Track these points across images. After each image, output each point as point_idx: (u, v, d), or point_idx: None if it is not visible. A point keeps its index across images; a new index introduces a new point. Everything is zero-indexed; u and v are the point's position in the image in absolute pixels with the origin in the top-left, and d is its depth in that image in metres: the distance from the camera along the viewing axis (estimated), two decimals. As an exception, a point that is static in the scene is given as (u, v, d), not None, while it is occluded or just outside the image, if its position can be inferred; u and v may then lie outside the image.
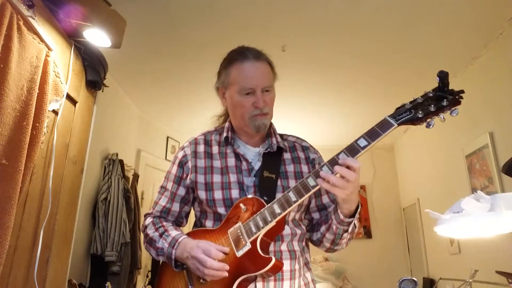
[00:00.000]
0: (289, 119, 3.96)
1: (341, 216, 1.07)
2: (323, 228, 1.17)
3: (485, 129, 2.70)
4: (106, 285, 2.31)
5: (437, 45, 2.71)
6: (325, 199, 1.25)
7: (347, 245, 1.19)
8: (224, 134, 1.26)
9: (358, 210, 1.08)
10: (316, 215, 1.24)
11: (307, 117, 4.06)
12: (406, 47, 2.75)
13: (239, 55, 1.20)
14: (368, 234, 4.64)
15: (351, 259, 4.35)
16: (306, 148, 1.31)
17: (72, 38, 1.87)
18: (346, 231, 1.11)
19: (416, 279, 1.48)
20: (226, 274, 1.03)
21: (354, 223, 1.10)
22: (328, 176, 0.99)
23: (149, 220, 1.27)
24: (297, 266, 1.17)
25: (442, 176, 3.50)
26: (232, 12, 2.39)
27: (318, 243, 1.22)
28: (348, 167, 0.98)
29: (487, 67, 2.75)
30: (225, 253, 1.06)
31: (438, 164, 3.58)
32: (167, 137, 4.35)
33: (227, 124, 1.29)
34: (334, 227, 1.11)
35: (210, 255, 1.03)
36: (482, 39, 2.63)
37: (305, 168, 1.25)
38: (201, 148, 1.26)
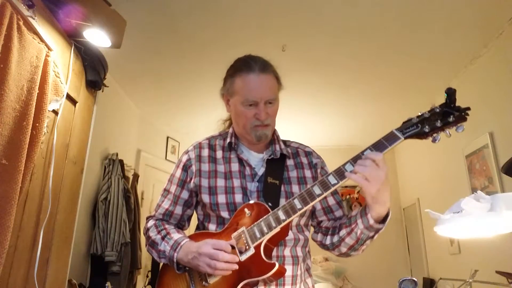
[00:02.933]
0: (288, 119, 3.96)
1: (371, 221, 1.04)
2: (343, 232, 1.14)
3: (485, 129, 2.70)
4: (106, 285, 2.31)
5: (437, 45, 2.71)
6: (331, 200, 1.25)
7: (363, 252, 1.17)
8: (228, 140, 1.27)
9: (389, 217, 1.05)
10: (323, 218, 1.24)
11: (307, 118, 4.05)
12: (406, 47, 2.75)
13: (244, 65, 1.19)
14: (368, 234, 4.63)
15: (351, 259, 4.30)
16: (309, 153, 1.32)
17: (72, 38, 1.87)
18: (371, 237, 1.08)
19: (416, 279, 1.48)
20: (237, 266, 1.04)
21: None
22: (356, 167, 0.99)
23: (151, 222, 1.27)
24: (299, 272, 1.17)
25: (442, 176, 3.50)
26: (232, 12, 2.39)
27: (332, 247, 1.19)
28: (372, 161, 0.99)
29: (487, 67, 2.74)
30: (232, 247, 1.07)
31: (438, 164, 3.58)
32: (167, 137, 4.34)
33: (231, 130, 1.30)
34: (358, 231, 1.08)
35: (221, 248, 1.04)
36: (482, 39, 2.63)
37: (308, 173, 1.26)
38: (205, 152, 1.27)
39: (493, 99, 2.64)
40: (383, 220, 1.06)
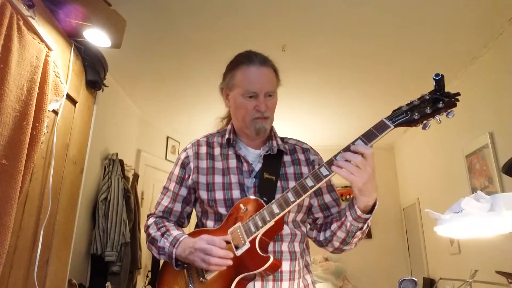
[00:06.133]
0: (288, 119, 3.96)
1: (358, 212, 1.05)
2: (334, 226, 1.15)
3: (485, 129, 2.70)
4: (106, 285, 2.31)
5: (437, 45, 2.71)
6: (327, 198, 1.25)
7: (356, 246, 1.18)
8: (226, 136, 1.28)
9: (376, 206, 1.07)
10: (319, 215, 1.25)
11: (307, 117, 4.06)
12: (406, 47, 2.75)
13: (245, 58, 1.22)
14: (368, 234, 4.59)
15: (351, 259, 4.35)
16: (307, 150, 1.33)
17: (72, 38, 1.87)
18: (361, 229, 1.10)
19: (416, 279, 1.48)
20: (231, 262, 1.04)
21: (368, 223, 1.09)
22: (341, 163, 0.99)
23: (151, 220, 1.29)
24: (297, 268, 1.17)
25: (442, 176, 3.50)
26: (232, 12, 2.39)
27: (325, 242, 1.20)
28: (361, 155, 0.99)
29: (487, 67, 2.74)
30: (227, 242, 1.08)
31: (438, 164, 3.58)
32: (167, 137, 4.35)
33: (229, 127, 1.31)
34: (348, 224, 1.09)
35: (215, 244, 1.05)
36: (482, 39, 2.63)
37: (305, 170, 1.26)
38: (203, 149, 1.28)
39: (493, 99, 2.64)
40: (370, 210, 1.07)
